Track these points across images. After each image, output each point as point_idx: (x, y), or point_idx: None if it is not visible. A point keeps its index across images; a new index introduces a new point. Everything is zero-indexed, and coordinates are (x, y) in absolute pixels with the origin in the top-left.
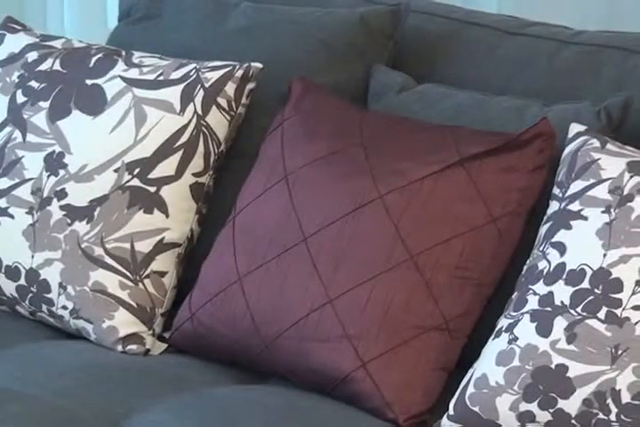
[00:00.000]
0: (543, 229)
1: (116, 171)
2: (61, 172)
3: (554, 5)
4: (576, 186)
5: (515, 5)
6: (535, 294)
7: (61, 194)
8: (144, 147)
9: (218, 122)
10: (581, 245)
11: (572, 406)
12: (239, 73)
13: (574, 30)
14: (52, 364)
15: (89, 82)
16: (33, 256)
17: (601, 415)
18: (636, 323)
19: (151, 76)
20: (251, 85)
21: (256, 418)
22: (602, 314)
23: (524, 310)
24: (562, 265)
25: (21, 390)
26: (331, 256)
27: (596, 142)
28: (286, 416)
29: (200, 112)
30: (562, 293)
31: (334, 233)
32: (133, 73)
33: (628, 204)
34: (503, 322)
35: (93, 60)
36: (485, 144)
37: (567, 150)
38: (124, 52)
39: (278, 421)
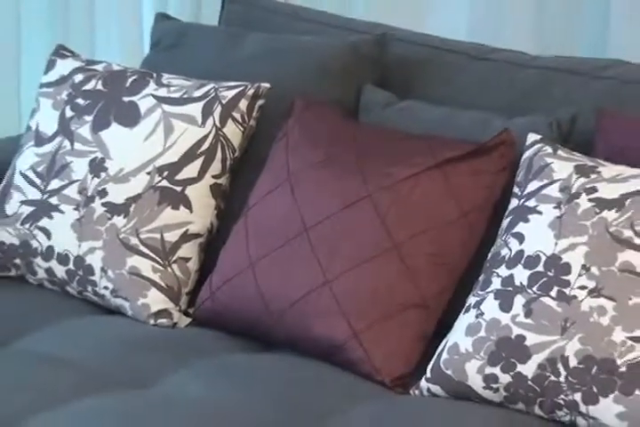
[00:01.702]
0: (505, 222)
1: (148, 173)
2: (102, 174)
3: (513, 34)
4: (532, 185)
5: (481, 34)
6: (498, 276)
7: (102, 193)
8: (171, 153)
9: (233, 132)
10: (537, 235)
11: (528, 369)
12: (250, 91)
13: (530, 55)
14: (95, 335)
15: (126, 99)
16: (79, 245)
17: (552, 377)
18: (582, 300)
19: (177, 95)
20: (260, 102)
21: (266, 380)
22: (553, 293)
23: (489, 289)
24: (521, 252)
25: (70, 357)
26: (328, 245)
27: (549, 149)
28: (291, 378)
29: (218, 124)
30: (520, 275)
31: (331, 225)
32: (162, 92)
33: (575, 200)
34: (471, 300)
35: (129, 80)
36: (457, 150)
37: (525, 156)
38: (154, 74)
39: (284, 382)
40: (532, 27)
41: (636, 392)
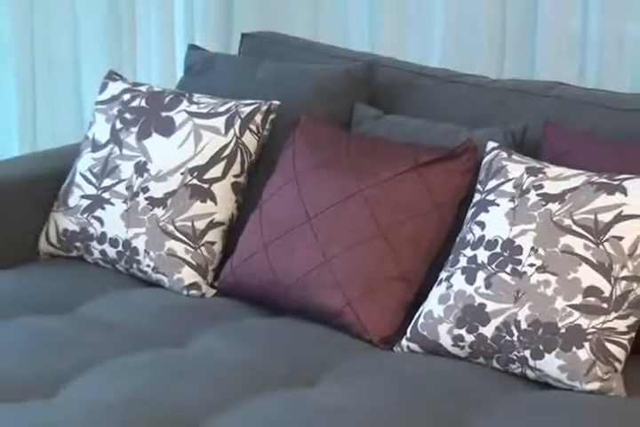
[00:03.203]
0: (469, 213)
1: (181, 174)
2: (145, 174)
3: (476, 61)
4: (491, 183)
5: (451, 59)
6: (464, 256)
7: (145, 189)
8: (200, 157)
9: (250, 141)
10: (495, 223)
11: (488, 331)
12: (264, 108)
13: (491, 79)
14: (139, 304)
15: (164, 114)
16: (127, 231)
17: (507, 337)
18: (531, 275)
19: (205, 110)
20: (272, 116)
21: (275, 339)
22: (508, 269)
23: (457, 266)
24: (482, 237)
25: (119, 320)
26: (326, 231)
27: (504, 154)
28: (296, 338)
29: (238, 134)
30: (482, 255)
31: (329, 215)
32: (193, 108)
33: (526, 195)
34: (443, 274)
35: (167, 99)
36: (431, 155)
37: (485, 159)
38: (187, 94)
39: (290, 341)
40: (493, 54)
41: (573, 349)
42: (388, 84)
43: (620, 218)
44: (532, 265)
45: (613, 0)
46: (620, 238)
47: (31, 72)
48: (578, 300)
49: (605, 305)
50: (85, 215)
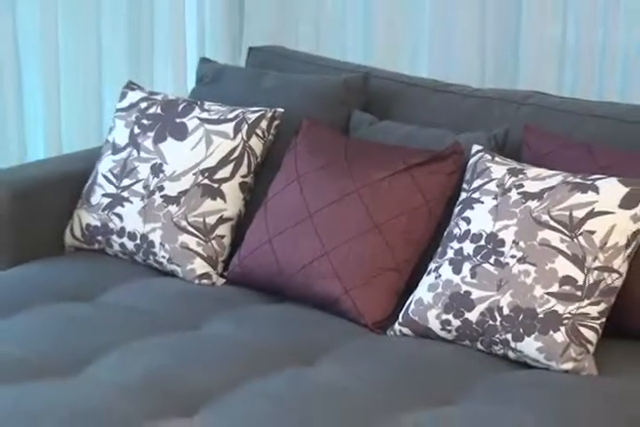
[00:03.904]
0: (456, 209)
1: (194, 174)
2: (160, 175)
3: (461, 71)
4: (476, 183)
5: (437, 72)
6: (452, 248)
7: (161, 188)
8: (211, 159)
9: (256, 144)
10: (480, 218)
11: (473, 316)
12: (269, 114)
13: (474, 88)
14: (156, 291)
15: (178, 120)
16: (144, 226)
17: (490, 322)
18: (512, 266)
19: (215, 117)
20: (276, 122)
21: (279, 323)
22: (492, 260)
23: (445, 257)
24: (468, 231)
25: (138, 306)
26: (326, 226)
27: (488, 156)
28: (298, 322)
29: (245, 138)
30: (468, 247)
31: (328, 212)
32: (204, 115)
33: (507, 194)
34: (432, 265)
35: (180, 107)
36: (421, 157)
37: (471, 161)
38: (199, 102)
39: (293, 325)
40: (476, 66)
41: (550, 333)
42: (382, 93)
43: (592, 214)
44: (513, 257)
45: (590, 14)
46: (593, 232)
47: (56, 81)
48: (554, 288)
49: (579, 293)
50: (106, 212)
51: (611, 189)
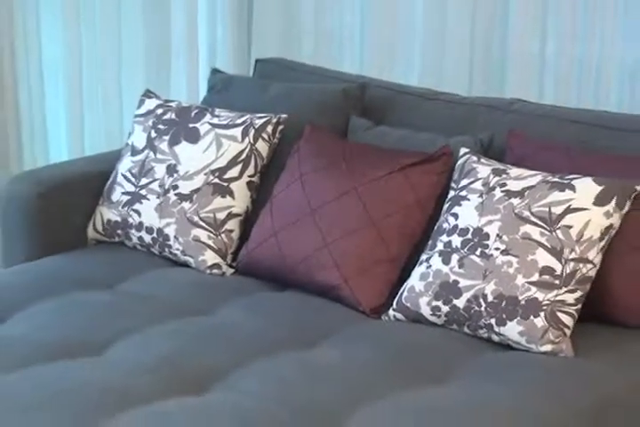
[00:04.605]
0: (445, 206)
1: (205, 174)
2: (175, 175)
3: (450, 81)
4: (463, 182)
5: (428, 81)
6: (441, 241)
7: (175, 187)
8: (221, 161)
9: (262, 147)
10: (467, 214)
11: (460, 302)
12: (274, 120)
13: (462, 96)
14: (171, 280)
15: (190, 125)
16: (160, 221)
17: (476, 308)
18: (496, 257)
19: (225, 122)
20: (281, 127)
21: (283, 309)
22: (478, 252)
23: (435, 250)
24: (456, 225)
25: (154, 294)
26: (326, 221)
27: (474, 158)
28: (300, 309)
29: (252, 141)
30: (456, 240)
31: (328, 208)
32: (215, 120)
33: (492, 192)
34: (423, 256)
35: (193, 113)
36: (414, 159)
37: (459, 162)
38: (210, 109)
39: (296, 311)
40: (464, 75)
41: (531, 318)
42: (377, 100)
43: (569, 210)
44: (497, 249)
45: (567, 31)
46: (570, 227)
47: (79, 90)
48: (535, 277)
49: (557, 282)
50: (126, 208)
51: (586, 188)
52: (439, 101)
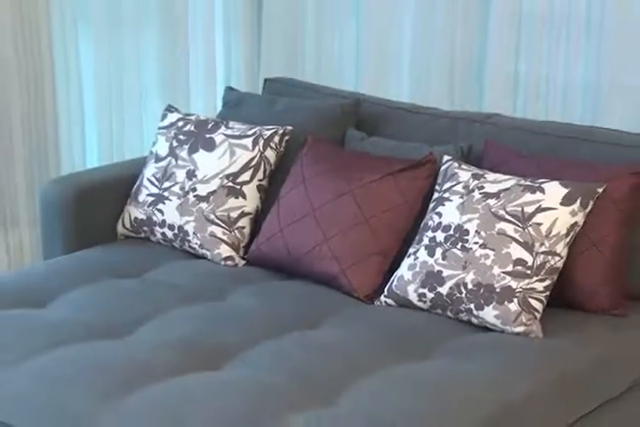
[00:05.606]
0: (431, 206)
1: (220, 178)
2: (194, 179)
3: (434, 97)
4: (446, 185)
5: (415, 97)
6: (427, 236)
7: (194, 189)
8: (234, 166)
9: (270, 155)
10: (449, 213)
11: (443, 290)
12: (280, 131)
13: (445, 110)
14: (190, 270)
15: (207, 136)
16: (180, 219)
17: (457, 295)
18: (475, 250)
19: (237, 133)
20: (287, 137)
21: (287, 296)
22: (459, 246)
23: (422, 244)
24: (440, 223)
25: (175, 282)
26: (326, 219)
27: (456, 164)
28: (302, 295)
29: (262, 150)
30: (440, 236)
31: (328, 208)
32: (229, 131)
33: (471, 193)
34: (411, 249)
35: (210, 125)
36: (403, 165)
37: (442, 168)
38: (224, 122)
39: (298, 297)
40: (446, 92)
41: (506, 303)
42: (371, 114)
43: (539, 210)
44: (476, 243)
45: (537, 53)
46: (540, 224)
47: (108, 106)
48: (509, 268)
49: (529, 272)
50: (150, 208)
51: (553, 190)
52: (425, 115)
